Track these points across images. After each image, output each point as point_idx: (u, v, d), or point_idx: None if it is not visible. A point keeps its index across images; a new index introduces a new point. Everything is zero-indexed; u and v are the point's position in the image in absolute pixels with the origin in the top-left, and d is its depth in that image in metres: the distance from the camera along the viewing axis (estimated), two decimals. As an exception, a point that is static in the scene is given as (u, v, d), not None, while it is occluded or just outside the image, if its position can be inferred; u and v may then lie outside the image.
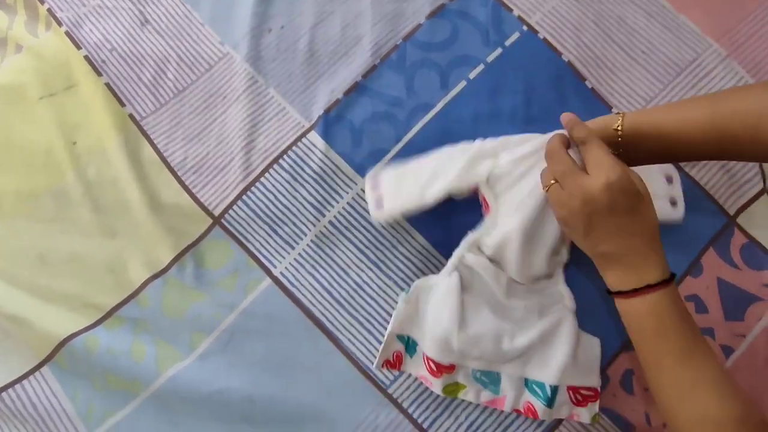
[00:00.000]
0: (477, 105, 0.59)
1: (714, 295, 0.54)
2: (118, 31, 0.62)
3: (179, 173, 0.57)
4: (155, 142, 0.58)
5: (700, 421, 0.38)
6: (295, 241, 0.56)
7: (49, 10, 0.62)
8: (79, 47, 0.61)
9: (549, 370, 0.48)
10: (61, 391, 0.52)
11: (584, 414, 0.49)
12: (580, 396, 0.49)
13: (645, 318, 0.40)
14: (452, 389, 0.50)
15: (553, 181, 0.42)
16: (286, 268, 0.55)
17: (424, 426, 0.51)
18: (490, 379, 0.50)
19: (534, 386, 0.49)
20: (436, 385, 0.49)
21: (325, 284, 0.55)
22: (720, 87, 0.59)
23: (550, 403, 0.48)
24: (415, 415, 0.51)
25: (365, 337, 0.53)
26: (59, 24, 0.61)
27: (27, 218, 0.56)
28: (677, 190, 0.54)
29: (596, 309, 0.53)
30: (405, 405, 0.52)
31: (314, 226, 0.56)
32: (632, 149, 0.45)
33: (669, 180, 0.54)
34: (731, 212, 0.56)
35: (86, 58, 0.60)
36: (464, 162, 0.49)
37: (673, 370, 0.39)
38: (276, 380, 0.52)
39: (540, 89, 0.59)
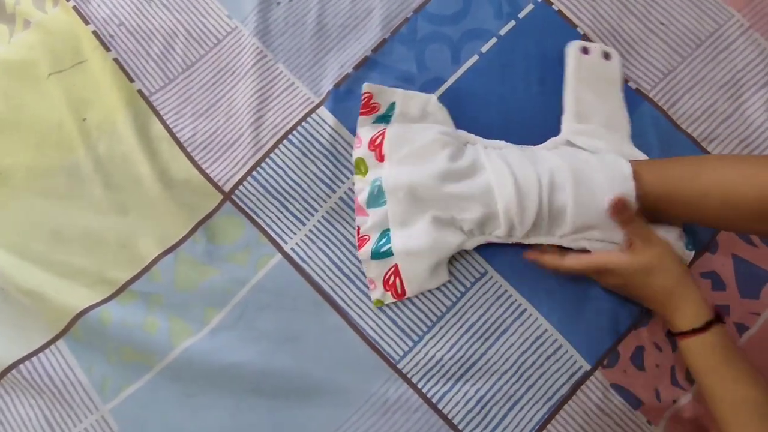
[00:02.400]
0: (490, 79, 0.58)
1: (730, 272, 0.54)
2: (125, 5, 0.61)
3: (189, 149, 0.57)
4: (164, 118, 0.58)
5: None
6: (306, 218, 0.56)
7: (56, -16, 0.62)
8: (87, 22, 0.60)
9: (404, 244, 0.51)
10: (77, 363, 0.53)
11: (377, 292, 0.53)
12: (393, 280, 0.52)
13: (690, 356, 0.46)
14: (360, 164, 0.54)
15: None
16: (297, 244, 0.55)
17: (434, 400, 0.51)
18: (378, 194, 0.52)
19: (386, 234, 0.52)
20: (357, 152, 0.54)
21: (336, 260, 0.55)
22: (742, 60, 0.58)
23: (375, 254, 0.52)
24: (424, 390, 0.52)
25: (375, 313, 0.53)
26: (67, -1, 0.61)
27: (40, 194, 0.57)
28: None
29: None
30: (414, 380, 0.52)
31: (325, 202, 0.56)
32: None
33: None
34: (749, 188, 0.55)
35: (94, 33, 0.60)
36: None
37: (722, 401, 0.44)
38: (287, 354, 0.52)
39: (554, 63, 0.57)
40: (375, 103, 0.54)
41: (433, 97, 0.55)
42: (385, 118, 0.54)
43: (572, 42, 0.57)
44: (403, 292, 0.52)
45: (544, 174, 0.49)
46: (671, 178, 0.47)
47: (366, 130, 0.55)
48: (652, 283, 0.47)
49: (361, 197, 0.54)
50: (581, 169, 0.49)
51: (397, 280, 0.52)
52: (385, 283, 0.52)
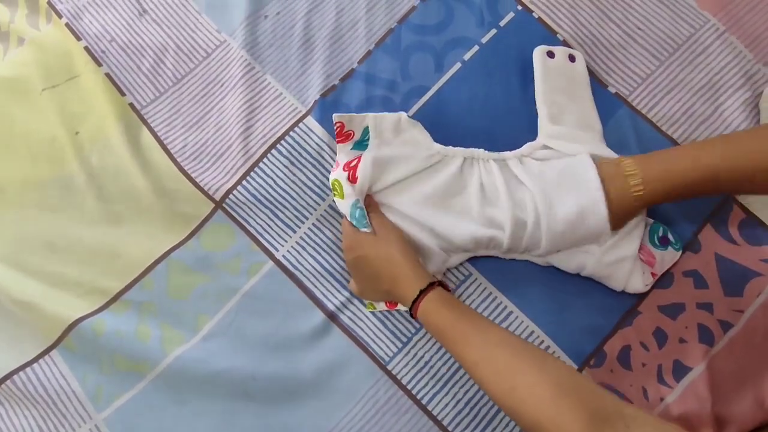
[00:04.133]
0: (472, 86, 0.59)
1: (713, 270, 0.55)
2: (116, 21, 0.63)
3: (179, 160, 0.58)
4: (155, 130, 0.59)
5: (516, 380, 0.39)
6: (296, 225, 0.57)
7: (49, 2, 0.63)
8: (79, 38, 0.62)
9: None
10: (70, 373, 0.54)
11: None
12: None
13: (428, 325, 0.46)
14: (335, 186, 0.53)
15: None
16: (288, 251, 0.56)
17: (423, 401, 0.52)
18: (360, 216, 0.51)
19: None
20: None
21: (327, 266, 0.56)
22: (718, 63, 0.59)
23: None
24: (414, 391, 0.52)
25: (367, 316, 0.54)
26: (59, 16, 0.63)
27: (34, 206, 0.58)
28: None
29: (590, 287, 0.54)
30: (404, 381, 0.53)
31: (315, 210, 0.57)
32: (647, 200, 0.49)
33: None
34: (729, 188, 0.56)
35: (86, 49, 0.61)
36: None
37: (468, 353, 0.43)
38: (278, 359, 0.53)
39: (535, 69, 0.59)
40: (348, 131, 0.54)
41: (403, 115, 0.55)
42: (361, 144, 0.54)
43: (537, 47, 0.58)
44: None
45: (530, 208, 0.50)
46: (674, 169, 0.47)
47: (343, 156, 0.54)
48: (377, 254, 0.49)
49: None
50: (551, 197, 0.50)
51: None
52: None
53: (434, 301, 0.45)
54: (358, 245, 0.50)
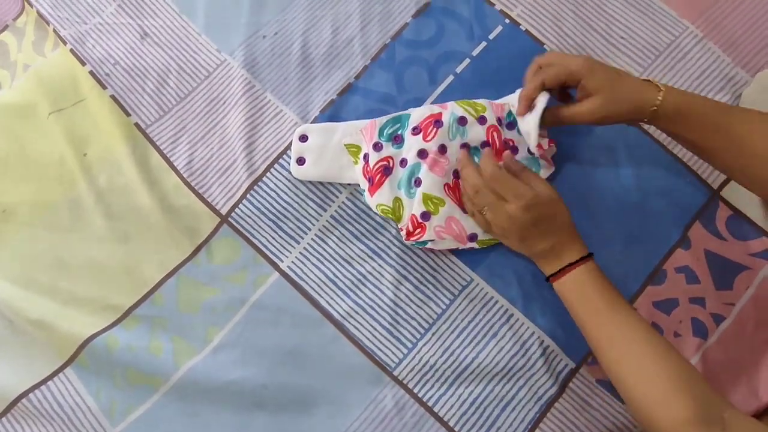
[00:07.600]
0: (465, 97, 0.61)
1: (703, 266, 0.57)
2: (119, 45, 0.65)
3: (185, 176, 0.60)
4: (161, 148, 0.61)
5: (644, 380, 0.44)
6: (300, 236, 0.59)
7: (54, 29, 0.65)
8: (83, 63, 0.64)
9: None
10: (84, 389, 0.55)
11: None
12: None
13: (572, 291, 0.49)
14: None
15: (485, 210, 0.52)
16: (292, 262, 0.58)
17: (429, 404, 0.54)
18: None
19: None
20: None
21: (330, 275, 0.57)
22: (698, 67, 0.62)
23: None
24: (420, 394, 0.54)
25: (370, 324, 0.56)
26: (64, 42, 0.64)
27: (45, 227, 0.59)
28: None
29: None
30: (410, 385, 0.54)
31: (317, 221, 0.59)
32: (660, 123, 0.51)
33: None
34: (714, 186, 0.59)
35: (91, 73, 0.63)
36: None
37: (603, 325, 0.47)
38: (287, 368, 0.55)
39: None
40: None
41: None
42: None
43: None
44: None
45: None
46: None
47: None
48: (558, 215, 0.50)
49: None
50: None
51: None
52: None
53: (589, 271, 0.49)
54: (547, 200, 0.50)
